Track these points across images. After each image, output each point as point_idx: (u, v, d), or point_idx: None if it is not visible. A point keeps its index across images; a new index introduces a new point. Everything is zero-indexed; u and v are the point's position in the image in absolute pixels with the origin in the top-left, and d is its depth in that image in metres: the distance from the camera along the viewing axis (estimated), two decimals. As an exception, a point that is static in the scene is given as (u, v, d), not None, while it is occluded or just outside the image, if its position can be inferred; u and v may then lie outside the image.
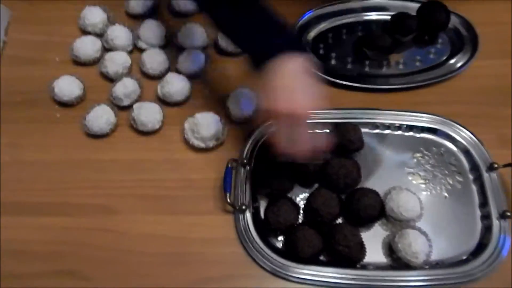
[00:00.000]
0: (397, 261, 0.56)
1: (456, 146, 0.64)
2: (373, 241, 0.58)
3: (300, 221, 0.59)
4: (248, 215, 0.59)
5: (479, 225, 0.58)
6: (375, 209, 0.57)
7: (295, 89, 0.46)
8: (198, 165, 0.64)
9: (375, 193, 0.58)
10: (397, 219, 0.57)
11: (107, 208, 0.61)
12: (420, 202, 0.58)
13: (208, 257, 0.58)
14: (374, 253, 0.57)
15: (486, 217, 0.58)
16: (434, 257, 0.56)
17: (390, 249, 0.57)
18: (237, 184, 0.61)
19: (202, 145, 0.64)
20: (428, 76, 0.70)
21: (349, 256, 0.54)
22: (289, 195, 0.61)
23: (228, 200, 0.57)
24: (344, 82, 0.69)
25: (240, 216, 0.59)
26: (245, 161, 0.62)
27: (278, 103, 0.46)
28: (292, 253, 0.55)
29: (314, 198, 0.57)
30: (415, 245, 0.53)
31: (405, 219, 0.56)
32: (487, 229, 0.57)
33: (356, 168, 0.59)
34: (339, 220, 0.59)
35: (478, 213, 0.59)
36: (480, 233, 0.58)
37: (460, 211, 0.59)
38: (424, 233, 0.56)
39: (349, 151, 0.61)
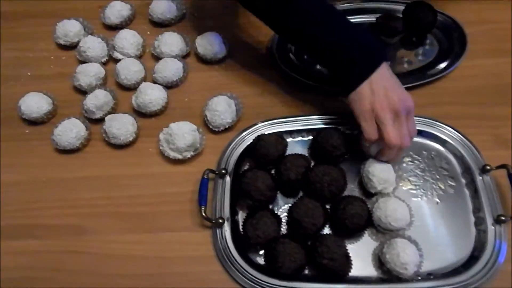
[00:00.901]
0: (387, 273, 0.52)
1: (447, 149, 0.61)
2: (362, 252, 0.54)
3: (282, 233, 0.55)
4: (226, 229, 0.55)
5: (473, 231, 0.54)
6: (362, 218, 0.53)
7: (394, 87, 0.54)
8: (175, 178, 0.61)
9: (361, 201, 0.54)
10: (385, 229, 0.53)
11: (79, 228, 0.58)
12: (410, 209, 0.54)
13: (187, 278, 0.54)
14: (363, 265, 0.53)
15: (480, 222, 0.54)
16: (426, 267, 0.52)
17: (379, 260, 0.53)
18: (215, 196, 0.57)
19: (178, 156, 0.61)
20: (417, 77, 0.67)
21: (333, 269, 0.50)
22: (271, 206, 0.57)
23: (204, 214, 0.54)
24: (330, 88, 0.65)
25: (217, 231, 0.55)
26: (223, 171, 0.59)
27: (387, 101, 0.53)
28: (274, 269, 0.51)
29: (296, 208, 0.53)
30: (404, 255, 0.49)
31: (394, 229, 0.53)
32: (481, 236, 0.53)
33: (342, 175, 0.56)
34: (325, 231, 0.55)
35: (472, 218, 0.55)
36: (474, 240, 0.54)
37: (453, 218, 0.56)
38: (414, 242, 0.52)
39: (334, 157, 0.58)
